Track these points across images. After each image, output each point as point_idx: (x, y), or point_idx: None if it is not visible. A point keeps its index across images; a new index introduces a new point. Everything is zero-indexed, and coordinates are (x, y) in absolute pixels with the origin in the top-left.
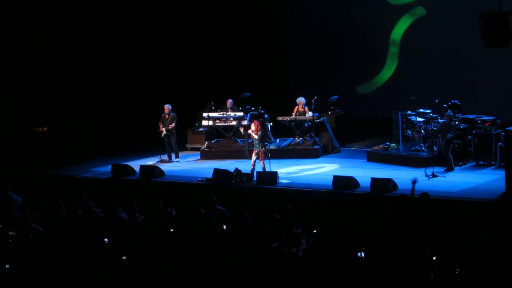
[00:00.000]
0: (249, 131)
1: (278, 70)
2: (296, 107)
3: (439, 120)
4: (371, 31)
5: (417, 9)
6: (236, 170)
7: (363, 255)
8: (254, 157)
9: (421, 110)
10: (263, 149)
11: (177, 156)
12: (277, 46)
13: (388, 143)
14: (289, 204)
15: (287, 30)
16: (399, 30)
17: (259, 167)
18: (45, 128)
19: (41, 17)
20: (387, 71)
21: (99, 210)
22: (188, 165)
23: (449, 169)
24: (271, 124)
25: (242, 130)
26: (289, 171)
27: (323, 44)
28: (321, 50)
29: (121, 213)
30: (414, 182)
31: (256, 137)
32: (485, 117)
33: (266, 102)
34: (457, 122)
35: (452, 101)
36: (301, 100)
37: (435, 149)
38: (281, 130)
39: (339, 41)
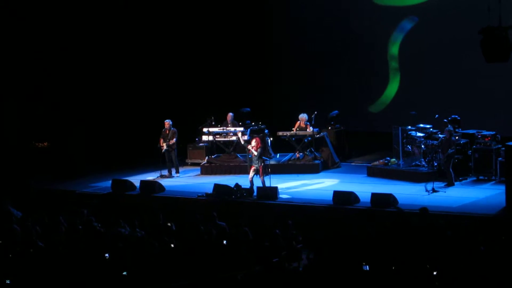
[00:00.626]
0: (249, 147)
1: (278, 85)
2: (298, 122)
3: (439, 135)
4: (371, 46)
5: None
6: (236, 185)
7: (367, 268)
8: (252, 173)
9: (421, 125)
10: (263, 165)
11: (177, 171)
12: (277, 61)
13: (388, 158)
14: (289, 219)
15: (288, 45)
16: (396, 44)
17: (258, 183)
18: (45, 143)
19: (42, 33)
20: (393, 87)
21: (99, 225)
22: (188, 180)
23: (450, 184)
24: (271, 139)
25: (242, 141)
26: (289, 186)
27: (324, 60)
28: (322, 66)
29: (121, 228)
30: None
31: (255, 153)
32: (485, 132)
33: (266, 117)
34: (457, 137)
35: (452, 116)
36: (303, 116)
37: (435, 164)
38: (281, 145)
39: (340, 56)
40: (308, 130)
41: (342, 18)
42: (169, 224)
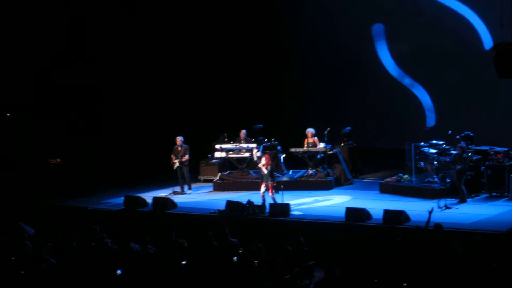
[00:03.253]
0: (260, 165)
1: (291, 101)
2: (306, 138)
3: (452, 151)
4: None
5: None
6: (249, 202)
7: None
8: (263, 188)
9: (434, 141)
10: (272, 182)
11: (189, 188)
12: (291, 77)
13: (401, 174)
14: (301, 236)
15: (302, 61)
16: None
17: (269, 199)
18: (58, 160)
19: (55, 50)
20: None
21: (111, 242)
22: (200, 196)
23: (462, 200)
24: (284, 155)
25: (255, 157)
26: (302, 203)
27: (337, 76)
28: (335, 82)
29: (133, 245)
30: (430, 212)
31: (265, 171)
32: (498, 149)
33: (279, 133)
34: (469, 154)
35: (465, 132)
36: (310, 130)
37: (448, 180)
38: (294, 162)
39: (352, 73)
40: (317, 144)
41: (356, 33)
42: (181, 240)
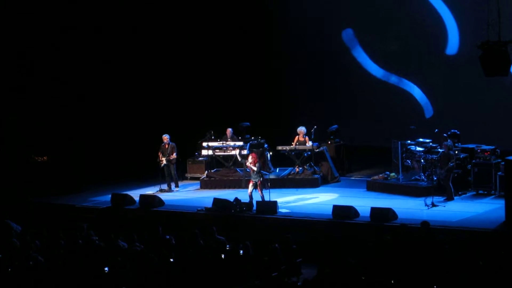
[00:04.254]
0: (247, 163)
1: (277, 99)
2: (297, 136)
3: (439, 149)
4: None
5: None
6: (236, 199)
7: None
8: (250, 188)
9: (421, 139)
10: (261, 179)
11: (176, 186)
12: (277, 76)
13: (388, 172)
14: (288, 234)
15: (288, 59)
16: None
17: (257, 197)
18: (44, 157)
19: (44, 48)
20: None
21: (98, 239)
22: (187, 194)
23: (449, 198)
24: (271, 153)
25: (239, 157)
26: (289, 200)
27: (324, 74)
28: (322, 80)
29: (120, 242)
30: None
31: (254, 168)
32: (484, 147)
33: (266, 131)
34: (456, 152)
35: (452, 130)
36: (301, 129)
37: (435, 178)
38: (281, 160)
39: (340, 72)
40: (307, 143)
41: (343, 31)
42: (168, 238)
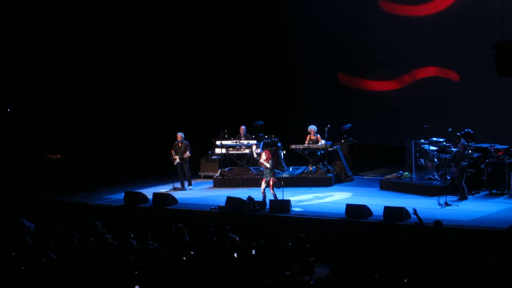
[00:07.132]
0: (261, 160)
1: (291, 98)
2: (309, 135)
3: (452, 148)
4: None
5: None
6: (249, 198)
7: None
8: (263, 185)
9: (434, 139)
10: (274, 178)
11: (190, 184)
12: (291, 74)
13: (401, 171)
14: (301, 232)
15: (302, 58)
16: None
17: (270, 196)
18: (58, 156)
19: (57, 48)
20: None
21: (111, 237)
22: (201, 193)
23: (462, 198)
24: (284, 152)
25: (255, 154)
26: (302, 199)
27: (337, 73)
28: (335, 79)
29: (133, 241)
30: (414, 211)
31: (268, 165)
32: (498, 146)
33: (279, 130)
34: (470, 151)
35: (465, 130)
36: (312, 128)
37: (448, 177)
38: (294, 158)
39: (353, 68)
40: (319, 141)
41: (357, 32)
42: (181, 236)
